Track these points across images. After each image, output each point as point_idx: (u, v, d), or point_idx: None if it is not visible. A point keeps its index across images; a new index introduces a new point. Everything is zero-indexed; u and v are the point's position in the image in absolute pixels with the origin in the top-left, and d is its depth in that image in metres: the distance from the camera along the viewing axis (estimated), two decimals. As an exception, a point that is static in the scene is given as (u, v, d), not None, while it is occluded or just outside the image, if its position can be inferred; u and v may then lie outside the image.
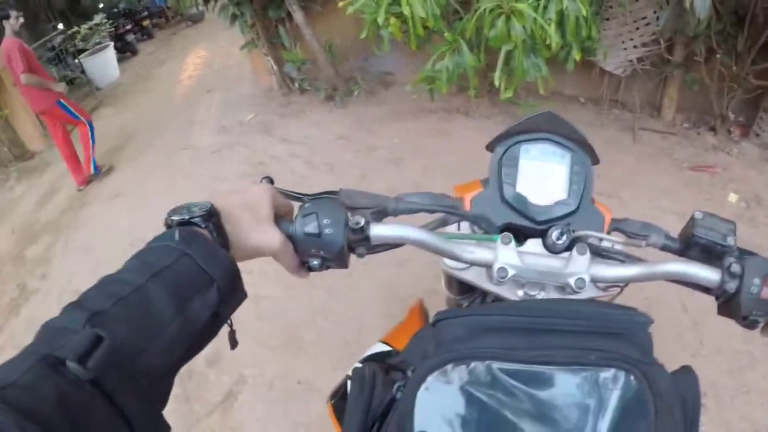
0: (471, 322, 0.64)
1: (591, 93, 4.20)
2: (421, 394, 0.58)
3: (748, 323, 0.73)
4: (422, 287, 2.56)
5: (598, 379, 0.58)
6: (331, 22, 4.54)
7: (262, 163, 4.13)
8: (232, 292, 0.60)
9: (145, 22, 9.24)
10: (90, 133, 4.71)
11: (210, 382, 2.46)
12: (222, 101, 5.29)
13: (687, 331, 2.49)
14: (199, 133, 4.93)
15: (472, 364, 0.58)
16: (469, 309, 0.68)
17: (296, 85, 4.77)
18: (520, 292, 0.85)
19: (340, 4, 3.31)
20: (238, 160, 4.28)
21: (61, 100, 4.52)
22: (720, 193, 3.29)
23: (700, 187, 3.35)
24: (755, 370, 2.31)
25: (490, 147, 0.92)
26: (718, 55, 3.42)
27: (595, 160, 0.90)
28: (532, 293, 0.84)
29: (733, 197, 3.25)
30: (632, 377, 0.57)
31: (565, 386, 0.58)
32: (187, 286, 0.53)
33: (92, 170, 4.78)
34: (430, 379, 0.58)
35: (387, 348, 1.08)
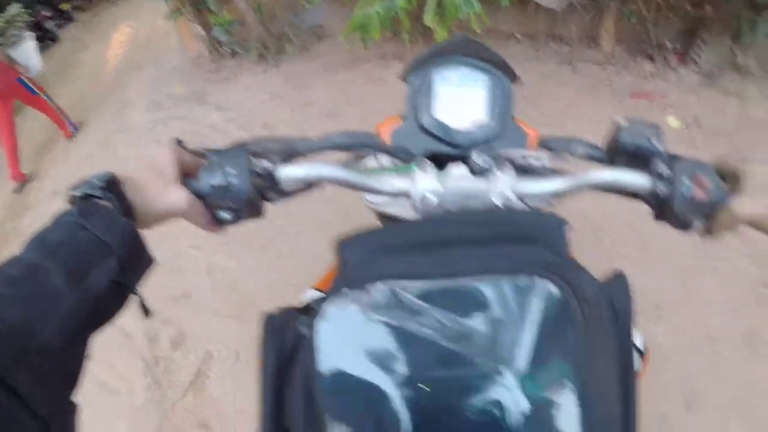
0: (371, 244, 0.60)
1: (528, 29, 4.16)
2: (322, 325, 0.54)
3: (683, 226, 0.71)
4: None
5: (515, 288, 0.52)
6: (257, -20, 4.36)
7: (199, 134, 3.98)
8: (135, 260, 0.59)
9: (65, 6, 8.80)
10: (51, 101, 4.64)
11: (177, 365, 2.42)
12: (152, 76, 5.06)
13: (636, 247, 2.57)
14: (132, 113, 4.74)
15: (373, 287, 0.53)
16: (369, 230, 0.62)
17: (226, 48, 4.58)
18: None
19: (265, -42, 3.17)
20: (174, 134, 3.97)
21: (21, 77, 4.40)
22: (659, 118, 3.34)
23: (639, 113, 3.39)
24: (704, 280, 2.40)
25: (404, 77, 0.88)
26: (654, -14, 3.41)
27: (514, 78, 0.87)
28: None
29: (672, 122, 3.31)
30: (552, 284, 0.52)
31: (478, 299, 0.53)
32: (85, 259, 0.52)
33: (72, 130, 4.73)
34: (330, 307, 0.54)
35: (320, 294, 1.01)
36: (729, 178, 0.72)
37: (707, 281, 2.40)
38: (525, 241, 0.59)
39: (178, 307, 2.62)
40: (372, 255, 0.60)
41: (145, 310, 0.66)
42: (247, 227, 0.76)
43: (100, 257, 0.53)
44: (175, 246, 2.93)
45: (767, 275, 2.39)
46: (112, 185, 0.59)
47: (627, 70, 3.78)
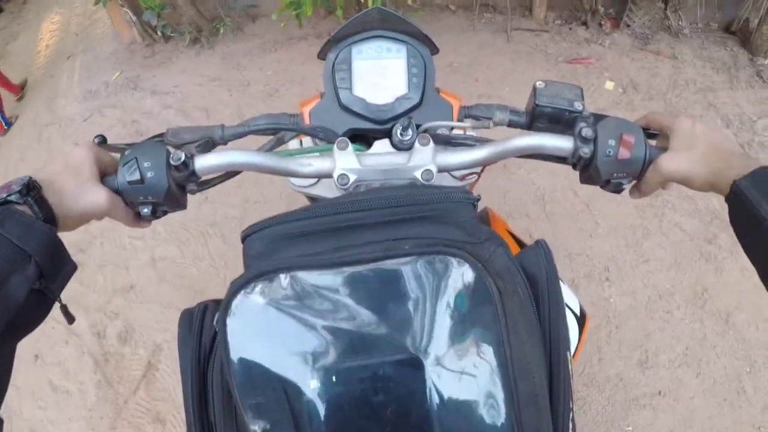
0: (274, 233, 0.59)
1: (462, 0, 4.14)
2: (230, 320, 0.53)
3: (612, 187, 0.71)
4: None
5: (423, 270, 0.52)
6: (186, -40, 4.21)
7: (135, 122, 3.87)
8: (56, 266, 0.57)
9: (-9, -5, 8.37)
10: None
11: (127, 360, 2.39)
12: (84, 64, 4.86)
13: (581, 214, 2.61)
14: (65, 103, 4.54)
15: (277, 278, 0.53)
16: (273, 218, 0.61)
17: (159, 33, 4.41)
18: None
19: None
20: (110, 123, 3.98)
21: None
22: (596, 82, 3.41)
23: (576, 78, 3.45)
24: (650, 240, 2.49)
25: (322, 55, 0.86)
26: (584, -48, 3.44)
27: (434, 50, 0.86)
28: None
29: (609, 85, 3.38)
30: (461, 261, 0.52)
31: (386, 284, 0.52)
32: (2, 266, 0.51)
33: (5, 125, 4.58)
34: (235, 302, 0.54)
35: None
36: (658, 135, 0.73)
37: (653, 240, 2.48)
38: (431, 220, 0.59)
39: (124, 301, 2.57)
40: (274, 245, 0.59)
41: (69, 317, 0.65)
42: (188, 215, 0.74)
43: (17, 264, 0.52)
44: (117, 238, 2.87)
45: (710, 231, 2.49)
46: (29, 189, 0.58)
47: (561, 36, 3.83)
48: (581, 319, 0.94)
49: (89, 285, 2.65)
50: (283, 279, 0.53)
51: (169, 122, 3.68)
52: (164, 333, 2.41)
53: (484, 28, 4.00)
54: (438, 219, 0.59)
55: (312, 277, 0.53)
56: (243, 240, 0.62)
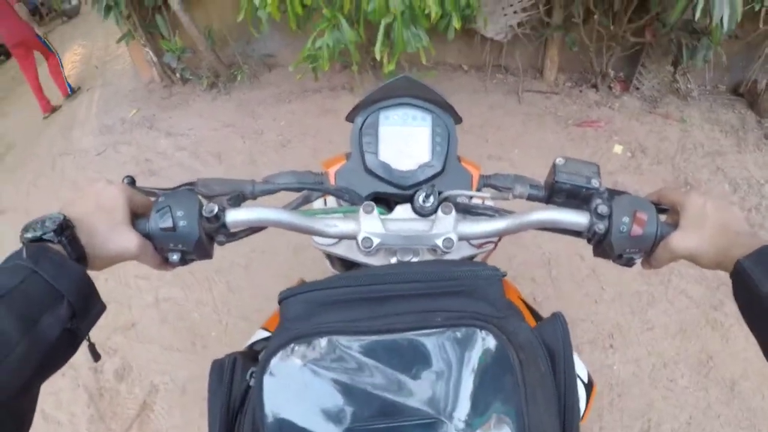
0: (312, 298, 0.61)
1: (474, 60, 4.24)
2: (267, 379, 0.54)
3: (623, 261, 0.73)
4: (320, 270, 2.51)
5: (452, 340, 0.55)
6: (208, 7, 4.34)
7: (149, 160, 3.92)
8: (87, 306, 0.58)
9: (17, 22, 8.54)
10: (60, 62, 5.42)
11: (122, 397, 2.36)
12: (102, 98, 4.97)
13: (587, 279, 2.60)
14: (81, 134, 4.62)
15: (315, 341, 0.55)
16: (311, 284, 0.63)
17: (177, 75, 4.52)
18: (393, 260, 0.82)
19: (216, -14, 3.16)
20: (124, 159, 4.04)
21: (39, 35, 5.22)
22: (605, 145, 3.42)
23: (585, 141, 3.46)
24: (655, 307, 2.46)
25: (350, 117, 0.89)
26: (595, 16, 3.52)
27: (458, 119, 0.89)
28: (405, 259, 0.81)
29: (618, 148, 3.39)
30: (487, 333, 0.55)
31: (417, 352, 0.55)
32: (36, 305, 0.51)
33: (69, 91, 5.45)
34: (273, 361, 0.55)
35: (268, 334, 1.01)
36: (669, 210, 0.76)
37: (658, 307, 2.46)
38: (460, 293, 0.62)
39: (124, 338, 2.57)
40: (312, 309, 0.61)
41: (95, 355, 0.67)
42: (212, 258, 0.77)
43: (51, 304, 0.52)
44: (122, 276, 2.88)
45: (717, 298, 2.46)
46: (64, 229, 0.59)
47: (571, 98, 3.87)
48: (589, 387, 0.96)
49: None
50: (321, 342, 0.55)
51: (182, 164, 3.76)
52: (162, 375, 2.40)
53: (496, 89, 4.07)
54: (468, 294, 0.62)
55: (349, 343, 0.56)
56: (280, 302, 0.64)
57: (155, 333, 2.59)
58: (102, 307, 0.62)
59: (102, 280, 2.86)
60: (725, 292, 2.47)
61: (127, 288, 2.83)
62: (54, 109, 5.33)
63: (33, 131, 4.94)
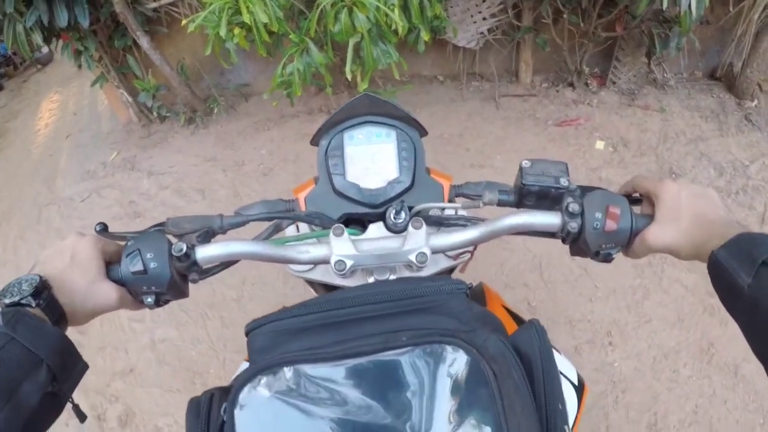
0: (277, 328, 0.62)
1: (448, 70, 4.25)
2: (237, 413, 0.55)
3: (601, 258, 0.72)
4: (311, 295, 2.51)
5: (420, 359, 0.54)
6: (178, 44, 4.32)
7: (133, 202, 3.90)
8: (67, 367, 0.58)
9: (-8, 73, 8.57)
10: None
11: None
12: (82, 144, 4.94)
13: (580, 279, 2.60)
14: (64, 183, 4.59)
15: (280, 372, 0.55)
16: (276, 313, 0.64)
17: (154, 113, 4.49)
18: (371, 279, 0.82)
19: (183, 22, 3.14)
20: (108, 203, 4.02)
21: None
22: (587, 142, 3.44)
23: (566, 140, 3.48)
24: (651, 299, 2.46)
25: (314, 141, 0.89)
26: (565, 15, 3.54)
27: (423, 132, 0.89)
28: (383, 277, 0.82)
29: (599, 144, 3.41)
30: (456, 349, 0.54)
31: (386, 374, 0.54)
32: (15, 372, 0.51)
33: None
34: (242, 395, 0.56)
35: None
36: (643, 201, 0.75)
37: (654, 299, 2.46)
38: (425, 310, 0.61)
39: (124, 383, 2.54)
40: (277, 339, 0.61)
41: (81, 416, 0.66)
42: (188, 297, 0.75)
43: (30, 369, 0.52)
44: (116, 320, 2.85)
45: (711, 284, 2.44)
46: (41, 291, 0.59)
47: (549, 99, 3.89)
48: (579, 389, 0.94)
49: (89, 368, 2.60)
50: (287, 372, 0.55)
51: (166, 203, 3.74)
52: (165, 417, 2.37)
53: (473, 97, 4.08)
54: (432, 310, 0.61)
55: (315, 370, 0.55)
56: (247, 334, 0.64)
57: (154, 375, 2.57)
58: (84, 367, 0.62)
59: (97, 325, 2.87)
60: (720, 277, 2.46)
61: (122, 332, 2.80)
62: None
63: (15, 184, 4.89)
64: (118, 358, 2.67)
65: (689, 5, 2.58)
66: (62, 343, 0.57)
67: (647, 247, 0.69)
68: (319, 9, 2.74)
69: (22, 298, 0.58)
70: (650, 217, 0.70)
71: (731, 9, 3.32)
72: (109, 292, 0.67)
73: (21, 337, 0.53)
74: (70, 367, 0.59)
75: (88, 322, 0.68)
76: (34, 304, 0.58)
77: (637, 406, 2.10)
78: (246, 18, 2.76)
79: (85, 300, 0.65)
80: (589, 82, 3.88)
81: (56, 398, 0.56)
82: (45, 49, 7.41)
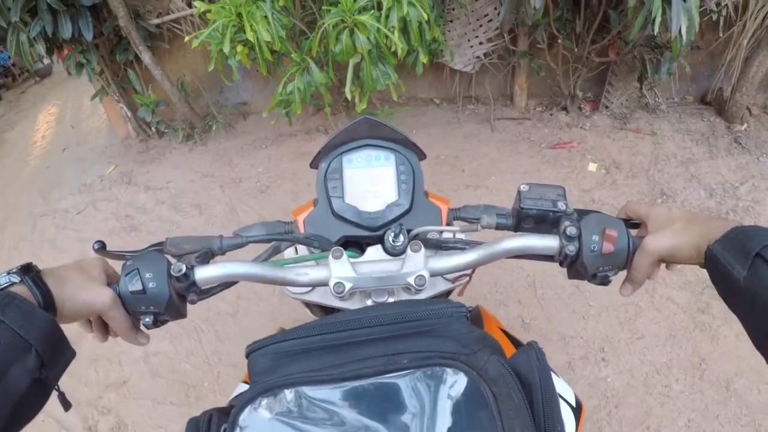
0: (278, 350, 0.62)
1: (445, 93, 4.33)
2: None
3: (599, 281, 0.73)
4: (305, 313, 2.51)
5: (421, 381, 0.55)
6: (179, 60, 4.37)
7: (129, 216, 3.89)
8: (56, 354, 0.58)
9: (-10, 84, 8.58)
10: None
11: None
12: (79, 157, 4.93)
13: (573, 296, 2.62)
14: (60, 195, 4.57)
15: (281, 394, 0.55)
16: (276, 335, 0.64)
17: (153, 128, 4.52)
18: (369, 302, 0.83)
19: (186, 38, 3.18)
20: (104, 216, 4.00)
21: None
22: (579, 164, 3.47)
23: (560, 162, 3.51)
24: (643, 316, 2.49)
25: (314, 164, 0.90)
26: (559, 40, 3.61)
27: (421, 156, 0.90)
28: (381, 300, 0.82)
29: (592, 166, 3.45)
30: (456, 371, 0.55)
31: (387, 397, 0.55)
32: (3, 356, 0.51)
33: None
34: (242, 416, 0.55)
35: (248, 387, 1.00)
36: (639, 225, 0.77)
37: (646, 316, 2.49)
38: (426, 333, 0.62)
39: (117, 395, 2.52)
40: (278, 361, 0.61)
41: (66, 404, 0.66)
42: (186, 318, 0.75)
43: (19, 354, 0.52)
44: (110, 332, 2.84)
45: (702, 301, 2.49)
46: (27, 271, 0.60)
47: (543, 122, 3.94)
48: (577, 410, 0.94)
49: (81, 379, 2.60)
50: (288, 394, 0.55)
51: (162, 218, 3.74)
52: (158, 429, 2.35)
53: (469, 120, 4.14)
54: (433, 333, 0.62)
55: (315, 392, 0.55)
56: (247, 356, 0.64)
57: (147, 388, 2.55)
58: (71, 354, 0.62)
59: (89, 337, 2.78)
60: (710, 295, 2.51)
61: (116, 344, 2.73)
62: None
63: (11, 194, 4.89)
64: (111, 370, 2.65)
65: (680, 31, 2.63)
66: (51, 327, 0.57)
67: (649, 255, 0.70)
68: (322, 29, 2.80)
69: (8, 273, 0.58)
70: (645, 235, 0.72)
71: (721, 34, 3.40)
72: (106, 293, 0.66)
73: (10, 320, 0.52)
74: (58, 353, 0.58)
75: (76, 319, 0.66)
76: (18, 280, 0.58)
77: (630, 421, 2.11)
78: (249, 36, 2.81)
79: (78, 292, 0.64)
80: (582, 106, 3.95)
81: (43, 385, 0.56)
82: (46, 61, 7.45)
